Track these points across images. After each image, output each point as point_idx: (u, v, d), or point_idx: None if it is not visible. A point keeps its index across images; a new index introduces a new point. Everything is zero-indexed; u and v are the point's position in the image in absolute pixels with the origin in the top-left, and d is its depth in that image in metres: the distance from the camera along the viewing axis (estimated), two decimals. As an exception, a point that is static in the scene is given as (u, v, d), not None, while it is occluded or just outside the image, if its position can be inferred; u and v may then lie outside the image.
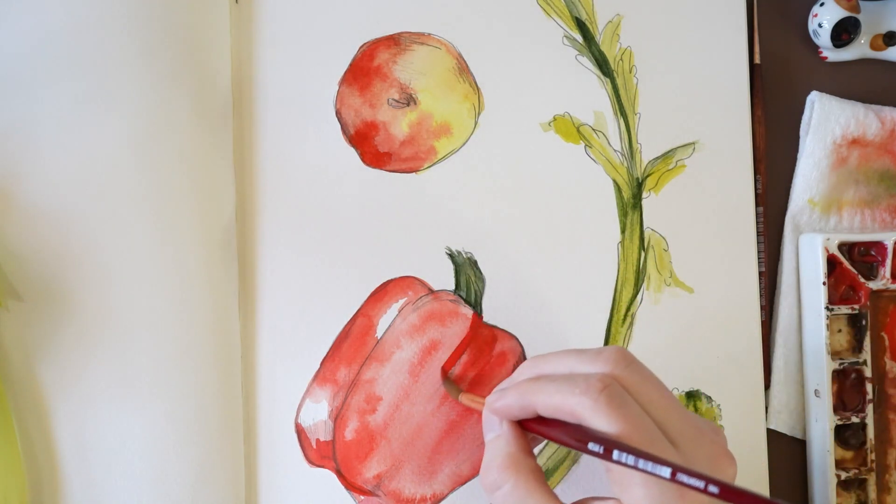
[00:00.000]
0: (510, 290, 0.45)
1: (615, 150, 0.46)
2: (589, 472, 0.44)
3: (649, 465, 0.29)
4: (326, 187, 0.44)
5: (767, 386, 0.47)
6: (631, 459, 0.29)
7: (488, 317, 0.45)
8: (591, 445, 0.30)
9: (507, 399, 0.34)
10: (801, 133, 0.48)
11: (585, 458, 0.44)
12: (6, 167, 0.40)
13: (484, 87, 0.46)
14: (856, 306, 0.46)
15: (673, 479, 0.29)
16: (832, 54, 0.48)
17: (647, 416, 0.31)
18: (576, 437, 0.31)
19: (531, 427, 0.34)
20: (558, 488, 0.44)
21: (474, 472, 0.44)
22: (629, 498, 0.31)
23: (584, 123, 0.46)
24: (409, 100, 0.45)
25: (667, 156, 0.47)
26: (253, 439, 0.43)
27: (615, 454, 0.30)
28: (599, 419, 0.31)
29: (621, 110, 0.46)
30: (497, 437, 0.35)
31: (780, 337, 0.47)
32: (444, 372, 0.43)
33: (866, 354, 0.46)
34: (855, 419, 0.45)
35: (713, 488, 0.28)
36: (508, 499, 0.33)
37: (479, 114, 0.46)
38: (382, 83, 0.45)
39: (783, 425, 0.47)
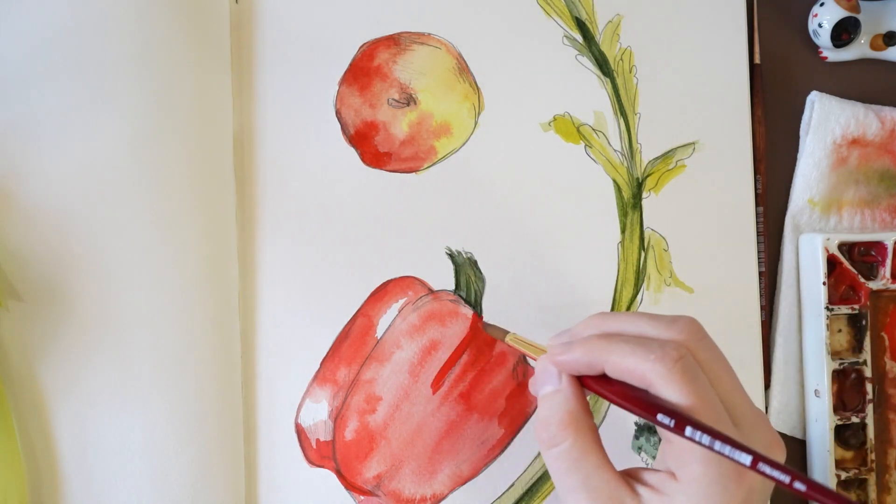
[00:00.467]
0: (510, 290, 0.45)
1: (615, 150, 0.46)
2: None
3: (727, 449, 0.28)
4: (326, 187, 0.44)
5: (767, 386, 0.47)
6: (706, 439, 0.28)
7: (488, 317, 0.45)
8: (660, 417, 0.29)
9: (574, 353, 0.33)
10: (801, 133, 0.48)
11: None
12: (6, 167, 0.40)
13: (484, 87, 0.46)
14: (856, 306, 0.46)
15: (754, 467, 0.27)
16: (832, 54, 0.48)
17: (715, 394, 0.30)
18: (643, 404, 0.30)
19: (591, 385, 0.33)
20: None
21: (474, 473, 0.44)
22: (686, 473, 0.30)
23: (584, 123, 0.46)
24: (409, 100, 0.45)
25: (667, 156, 0.47)
26: (253, 439, 0.43)
27: (688, 430, 0.29)
28: (671, 389, 0.30)
29: (621, 110, 0.46)
30: (557, 392, 0.33)
31: (780, 337, 0.47)
32: (480, 319, 0.42)
33: (866, 354, 0.46)
34: (855, 419, 0.45)
35: (799, 485, 0.27)
36: (565, 456, 0.32)
37: (479, 114, 0.46)
38: (382, 83, 0.45)
39: (783, 425, 0.47)
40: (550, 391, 0.33)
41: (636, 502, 0.31)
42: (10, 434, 0.39)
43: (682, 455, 0.30)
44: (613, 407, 0.45)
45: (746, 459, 0.28)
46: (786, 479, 0.27)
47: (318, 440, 0.43)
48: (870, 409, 0.46)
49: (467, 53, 0.46)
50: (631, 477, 0.32)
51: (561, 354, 0.33)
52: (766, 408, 0.46)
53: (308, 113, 0.45)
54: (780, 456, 0.32)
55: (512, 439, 0.44)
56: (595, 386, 0.32)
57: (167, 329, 0.41)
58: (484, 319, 0.44)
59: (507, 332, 0.39)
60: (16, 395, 0.40)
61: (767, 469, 0.27)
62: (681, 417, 0.29)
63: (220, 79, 0.43)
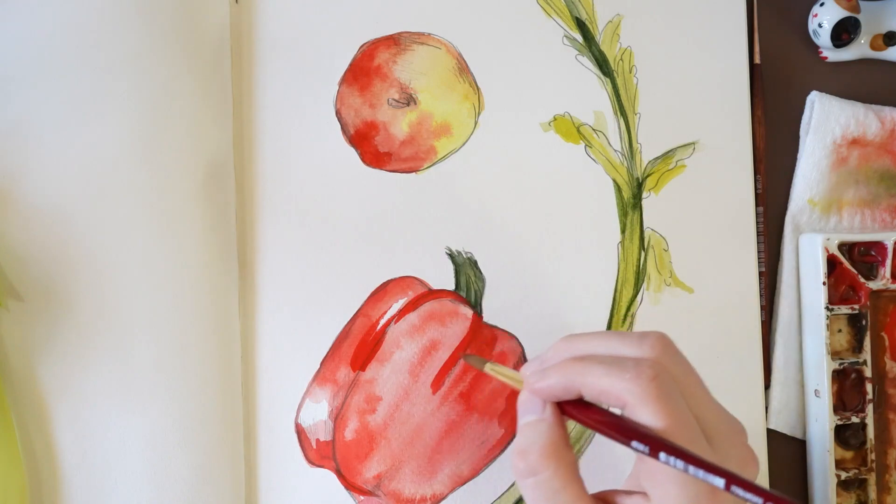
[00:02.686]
0: (510, 290, 0.45)
1: (615, 150, 0.46)
2: (589, 474, 0.44)
3: (700, 473, 0.28)
4: (326, 187, 0.44)
5: (767, 386, 0.47)
6: (680, 464, 0.28)
7: (488, 317, 0.45)
8: (634, 444, 0.29)
9: (550, 379, 0.32)
10: (801, 133, 0.48)
11: (586, 459, 0.44)
12: (6, 167, 0.40)
13: (484, 87, 0.46)
14: (856, 306, 0.46)
15: (727, 489, 0.28)
16: (832, 54, 0.48)
17: (689, 411, 0.30)
18: (619, 430, 0.30)
19: (570, 412, 0.33)
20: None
21: (474, 473, 0.44)
22: (660, 494, 0.30)
23: (584, 123, 0.46)
24: (409, 100, 0.45)
25: (667, 156, 0.47)
26: (253, 439, 0.43)
27: (662, 456, 0.29)
28: (646, 410, 0.29)
29: (621, 110, 0.46)
30: (539, 421, 0.33)
31: (780, 337, 0.47)
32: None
33: (866, 354, 0.46)
34: (855, 419, 0.45)
35: None
36: (543, 487, 0.31)
37: (479, 114, 0.46)
38: (382, 83, 0.45)
39: (783, 425, 0.47)
40: (533, 420, 0.33)
41: None
42: (10, 434, 0.39)
43: (655, 476, 0.30)
44: (613, 407, 0.45)
45: (720, 482, 0.28)
46: (758, 500, 0.27)
47: (318, 440, 0.43)
48: (870, 409, 0.46)
49: (467, 53, 0.46)
50: (606, 502, 0.32)
51: (538, 382, 0.33)
52: (766, 408, 0.46)
53: (308, 113, 0.45)
54: (754, 472, 0.32)
55: (512, 439, 0.44)
56: (574, 412, 0.32)
57: (167, 329, 0.41)
58: (465, 352, 0.43)
59: (485, 362, 0.39)
60: (16, 395, 0.40)
61: (740, 491, 0.28)
62: (655, 443, 0.29)
63: (220, 79, 0.43)
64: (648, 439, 0.29)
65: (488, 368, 0.38)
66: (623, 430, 0.30)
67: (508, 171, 0.45)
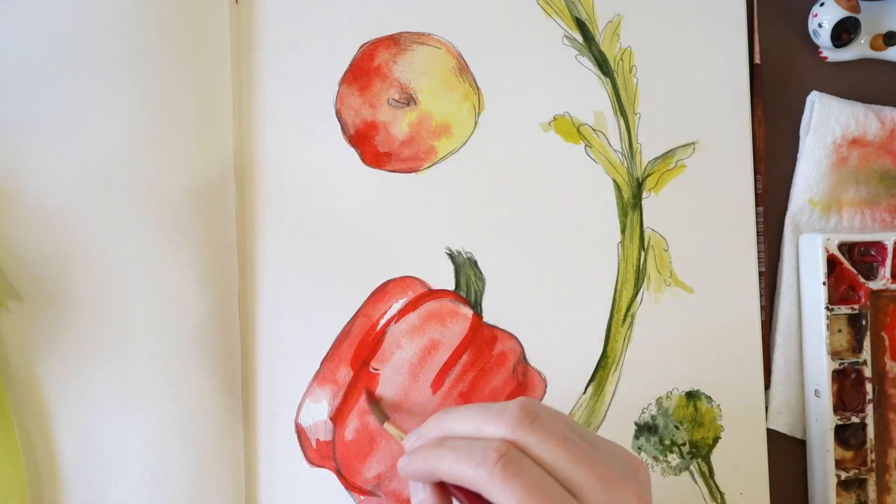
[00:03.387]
0: (510, 290, 0.45)
1: (615, 150, 0.46)
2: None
3: None
4: (326, 187, 0.44)
5: (767, 386, 0.47)
6: None
7: (488, 317, 0.45)
8: None
9: (414, 464, 0.34)
10: (801, 133, 0.48)
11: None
12: (6, 167, 0.40)
13: (484, 87, 0.46)
14: (856, 306, 0.46)
15: None
16: (832, 54, 0.48)
17: (548, 477, 0.31)
18: None
19: (452, 491, 0.34)
20: None
21: (474, 472, 0.44)
22: None
23: (584, 123, 0.46)
24: (409, 100, 0.45)
25: (667, 156, 0.47)
26: (253, 439, 0.43)
27: None
28: (497, 492, 0.30)
29: (621, 110, 0.46)
30: (422, 502, 0.34)
31: (780, 337, 0.47)
32: (370, 393, 0.43)
33: (866, 354, 0.46)
34: (855, 419, 0.45)
35: None
36: None
37: (479, 114, 0.46)
38: (382, 83, 0.45)
39: (783, 425, 0.47)
40: (417, 502, 0.34)
41: None
42: (10, 434, 0.39)
43: None
44: (613, 406, 0.45)
45: None
46: None
47: (318, 440, 0.43)
48: (870, 409, 0.46)
49: (467, 53, 0.46)
50: None
51: (406, 466, 0.34)
52: (766, 408, 0.46)
53: (308, 113, 0.45)
54: (635, 491, 0.32)
55: (512, 439, 0.44)
56: (455, 491, 0.33)
57: (167, 329, 0.41)
58: (373, 395, 0.44)
59: (386, 418, 0.40)
60: (16, 395, 0.40)
61: None
62: None
63: (221, 78, 0.43)
64: None
65: (387, 426, 0.41)
66: None
67: (508, 171, 0.45)
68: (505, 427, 0.32)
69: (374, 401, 0.43)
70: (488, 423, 0.32)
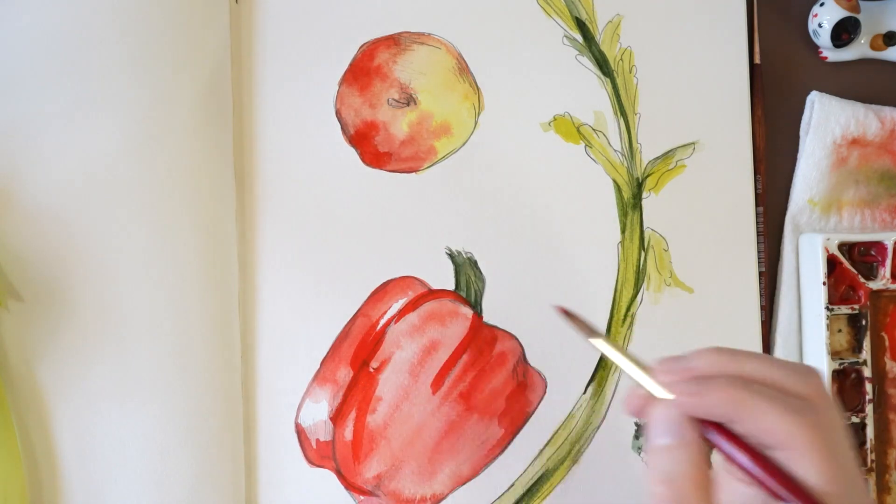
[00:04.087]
0: (510, 290, 0.45)
1: (615, 150, 0.46)
2: (590, 473, 0.44)
3: None
4: (326, 187, 0.44)
5: (767, 386, 0.47)
6: None
7: (488, 317, 0.45)
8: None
9: (709, 398, 0.28)
10: (801, 133, 0.48)
11: (586, 459, 0.44)
12: (6, 167, 0.40)
13: (484, 87, 0.46)
14: (856, 306, 0.46)
15: None
16: (832, 54, 0.48)
17: (854, 469, 0.27)
18: (780, 479, 0.27)
19: (711, 438, 0.29)
20: (558, 488, 0.44)
21: (474, 473, 0.44)
22: None
23: (584, 123, 0.46)
24: (409, 100, 0.45)
25: (667, 156, 0.47)
26: (253, 439, 0.43)
27: None
28: (810, 462, 0.27)
29: (621, 110, 0.46)
30: (686, 445, 0.28)
31: (780, 337, 0.47)
32: (566, 311, 0.34)
33: (866, 354, 0.46)
34: (855, 419, 0.45)
35: None
36: None
37: (479, 114, 0.46)
38: (382, 83, 0.45)
39: (783, 425, 0.47)
40: (676, 444, 0.29)
41: None
42: (10, 434, 0.39)
43: None
44: (613, 406, 0.45)
45: None
46: None
47: (318, 440, 0.43)
48: (870, 409, 0.46)
49: (467, 53, 0.46)
50: None
51: (692, 397, 0.29)
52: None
53: (308, 113, 0.45)
54: None
55: (512, 439, 0.44)
56: (716, 440, 0.28)
57: (167, 329, 0.41)
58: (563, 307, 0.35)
59: (595, 331, 0.32)
60: (16, 395, 0.40)
61: None
62: None
63: (221, 78, 0.43)
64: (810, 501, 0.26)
65: (600, 345, 0.31)
66: (785, 480, 0.27)
67: (508, 171, 0.45)
68: (814, 391, 0.28)
69: (572, 316, 0.34)
70: (792, 381, 0.28)
